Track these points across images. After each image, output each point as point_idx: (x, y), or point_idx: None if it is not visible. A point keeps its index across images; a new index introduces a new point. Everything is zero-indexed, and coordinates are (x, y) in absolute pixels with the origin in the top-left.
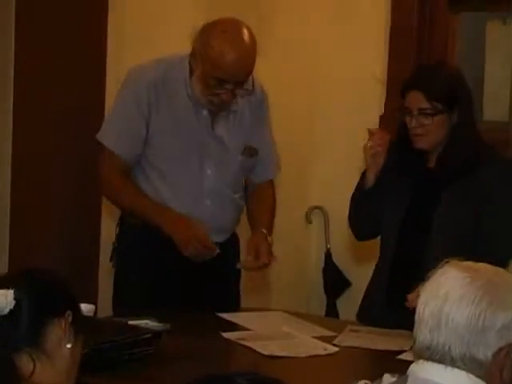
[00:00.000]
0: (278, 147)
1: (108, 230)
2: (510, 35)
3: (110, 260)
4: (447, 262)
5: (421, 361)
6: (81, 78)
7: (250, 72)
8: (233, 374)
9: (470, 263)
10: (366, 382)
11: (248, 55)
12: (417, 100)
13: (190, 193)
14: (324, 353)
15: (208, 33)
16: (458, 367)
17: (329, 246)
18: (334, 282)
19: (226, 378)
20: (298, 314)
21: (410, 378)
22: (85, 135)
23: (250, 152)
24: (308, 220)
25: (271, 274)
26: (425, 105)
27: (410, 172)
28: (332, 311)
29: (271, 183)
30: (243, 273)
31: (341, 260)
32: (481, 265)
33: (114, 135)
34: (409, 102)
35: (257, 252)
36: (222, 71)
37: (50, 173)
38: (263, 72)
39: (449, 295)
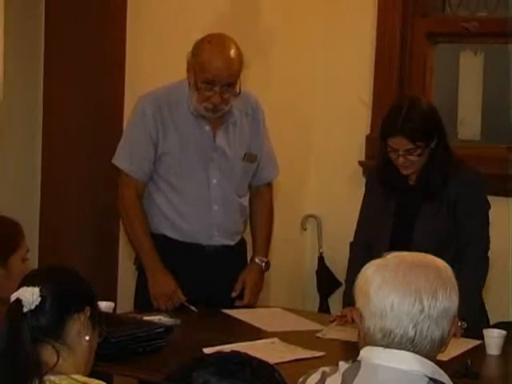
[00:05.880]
0: (277, 162)
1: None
2: (480, 65)
3: (134, 263)
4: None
5: (376, 347)
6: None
7: (233, 75)
8: (217, 357)
9: (416, 257)
10: (325, 368)
11: (230, 59)
12: (402, 143)
13: (199, 201)
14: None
15: (197, 45)
16: (431, 351)
17: (321, 250)
18: (326, 282)
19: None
20: (293, 310)
21: (362, 363)
22: (105, 148)
23: (250, 158)
24: (303, 227)
25: (271, 275)
26: (410, 146)
27: (395, 191)
28: (324, 308)
29: (270, 187)
30: None
31: (332, 263)
32: (429, 258)
33: (127, 159)
34: (394, 143)
35: (244, 289)
36: (209, 73)
37: (75, 180)
38: (263, 95)
39: (421, 290)
